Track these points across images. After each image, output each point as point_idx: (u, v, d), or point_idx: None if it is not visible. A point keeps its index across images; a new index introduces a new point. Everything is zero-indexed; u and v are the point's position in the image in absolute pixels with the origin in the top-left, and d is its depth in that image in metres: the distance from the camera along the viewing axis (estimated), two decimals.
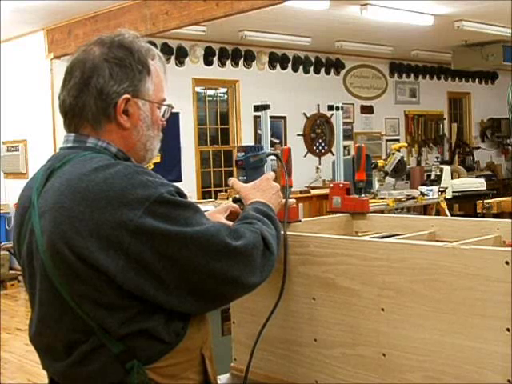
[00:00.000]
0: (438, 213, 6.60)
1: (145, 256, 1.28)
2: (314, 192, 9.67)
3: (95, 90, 1.40)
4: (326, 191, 7.29)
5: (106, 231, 1.27)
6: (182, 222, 1.30)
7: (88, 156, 1.38)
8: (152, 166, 5.80)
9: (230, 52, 9.51)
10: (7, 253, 8.06)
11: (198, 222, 1.33)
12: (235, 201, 1.66)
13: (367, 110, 11.38)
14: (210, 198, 9.04)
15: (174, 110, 1.58)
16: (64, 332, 1.37)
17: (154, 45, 1.57)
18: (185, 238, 1.29)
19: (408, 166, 7.76)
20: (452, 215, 6.82)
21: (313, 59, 10.51)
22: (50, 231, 1.31)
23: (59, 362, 1.40)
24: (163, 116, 1.52)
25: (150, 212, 1.28)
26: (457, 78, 12.65)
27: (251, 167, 1.70)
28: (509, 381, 1.25)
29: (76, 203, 1.30)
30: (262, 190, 1.60)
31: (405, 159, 6.72)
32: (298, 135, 10.44)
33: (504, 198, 6.47)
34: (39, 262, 1.35)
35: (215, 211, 1.71)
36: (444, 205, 6.60)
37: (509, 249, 1.26)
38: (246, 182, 1.66)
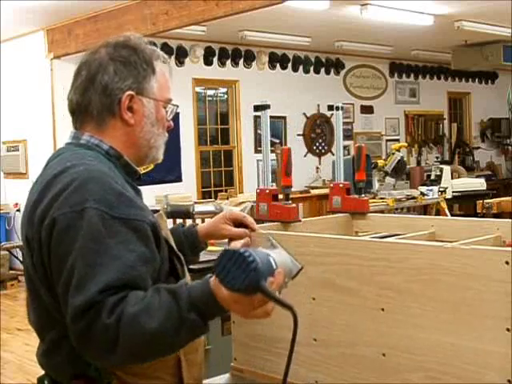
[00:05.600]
0: (438, 213, 6.60)
1: None
2: (313, 192, 9.67)
3: (100, 87, 1.46)
4: (326, 191, 7.28)
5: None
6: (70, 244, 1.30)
7: (75, 152, 1.45)
8: (152, 166, 5.81)
9: (230, 52, 9.50)
10: (7, 253, 8.06)
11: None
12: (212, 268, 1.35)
13: (367, 109, 11.38)
14: (210, 197, 9.04)
15: None
16: (36, 318, 1.45)
17: (154, 45, 1.59)
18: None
19: (408, 166, 7.76)
20: (452, 215, 6.82)
21: (313, 59, 10.51)
22: (22, 222, 1.43)
23: (40, 347, 1.46)
24: (169, 116, 1.54)
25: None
26: (457, 78, 12.64)
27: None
28: (509, 381, 1.25)
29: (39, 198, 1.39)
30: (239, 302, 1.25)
31: (405, 159, 6.72)
32: (298, 135, 10.44)
33: (504, 198, 6.48)
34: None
35: (217, 220, 1.73)
36: (444, 205, 6.60)
37: (509, 249, 1.26)
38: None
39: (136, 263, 1.29)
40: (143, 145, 1.50)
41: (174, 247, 1.51)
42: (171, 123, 1.56)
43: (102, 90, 1.45)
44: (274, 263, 1.25)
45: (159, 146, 1.53)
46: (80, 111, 1.49)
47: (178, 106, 1.57)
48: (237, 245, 1.31)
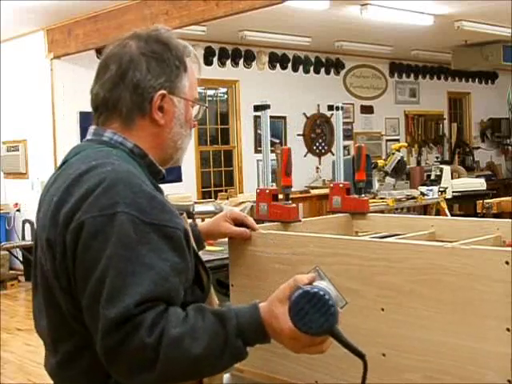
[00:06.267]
0: (438, 213, 6.60)
1: None
2: (313, 192, 9.67)
3: (131, 84, 1.37)
4: (326, 191, 7.28)
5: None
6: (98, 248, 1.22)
7: (98, 149, 1.37)
8: None
9: (230, 52, 9.51)
10: (7, 253, 8.06)
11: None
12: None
13: (367, 109, 11.38)
14: (210, 197, 9.04)
15: None
16: (50, 326, 1.35)
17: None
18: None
19: (408, 166, 7.76)
20: (452, 215, 6.82)
21: (313, 59, 10.51)
22: (42, 223, 1.33)
23: (51, 358, 1.38)
24: (196, 115, 1.48)
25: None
26: (457, 78, 12.65)
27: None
28: (509, 381, 1.25)
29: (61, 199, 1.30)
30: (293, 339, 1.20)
31: (405, 159, 6.73)
32: (298, 135, 10.44)
33: (504, 198, 6.48)
34: (39, 251, 1.35)
35: (218, 219, 1.71)
36: (444, 205, 6.61)
37: (509, 249, 1.26)
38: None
39: (169, 274, 1.21)
40: (170, 146, 1.43)
41: (199, 254, 1.44)
42: (196, 123, 1.50)
43: (134, 87, 1.37)
44: (334, 301, 1.20)
45: (185, 147, 1.46)
46: (106, 107, 1.40)
47: (206, 106, 1.51)
48: (303, 279, 1.22)
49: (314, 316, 1.15)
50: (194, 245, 1.43)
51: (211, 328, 1.19)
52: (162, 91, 1.38)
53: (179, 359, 1.16)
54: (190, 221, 1.85)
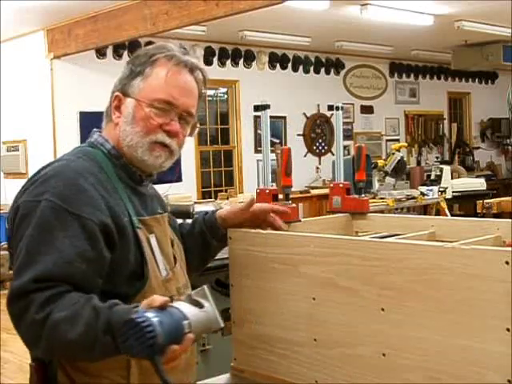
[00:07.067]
0: (438, 213, 6.60)
1: None
2: (313, 192, 9.67)
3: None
4: (326, 191, 7.28)
5: None
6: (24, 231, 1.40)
7: (78, 149, 1.58)
8: None
9: (230, 52, 9.51)
10: (7, 253, 8.06)
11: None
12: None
13: (367, 109, 11.38)
14: (210, 197, 9.04)
15: None
16: None
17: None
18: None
19: (408, 166, 7.75)
20: (452, 215, 6.82)
21: (313, 59, 10.51)
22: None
23: None
24: (170, 119, 1.52)
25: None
26: (457, 78, 12.65)
27: None
28: (509, 381, 1.25)
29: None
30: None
31: (405, 159, 6.72)
32: (298, 135, 10.44)
33: (504, 198, 6.48)
34: None
35: (241, 207, 1.74)
36: (444, 205, 6.60)
37: (509, 249, 1.25)
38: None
39: (76, 260, 1.34)
40: (123, 144, 1.54)
41: (148, 253, 1.49)
42: (172, 126, 1.52)
43: (111, 96, 1.59)
44: (186, 327, 1.26)
45: (136, 144, 1.52)
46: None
47: (155, 111, 1.50)
48: (156, 302, 1.26)
49: (135, 342, 1.21)
50: (160, 242, 1.53)
51: (87, 320, 1.30)
52: (117, 93, 1.55)
53: (56, 340, 1.30)
54: (208, 208, 1.87)
